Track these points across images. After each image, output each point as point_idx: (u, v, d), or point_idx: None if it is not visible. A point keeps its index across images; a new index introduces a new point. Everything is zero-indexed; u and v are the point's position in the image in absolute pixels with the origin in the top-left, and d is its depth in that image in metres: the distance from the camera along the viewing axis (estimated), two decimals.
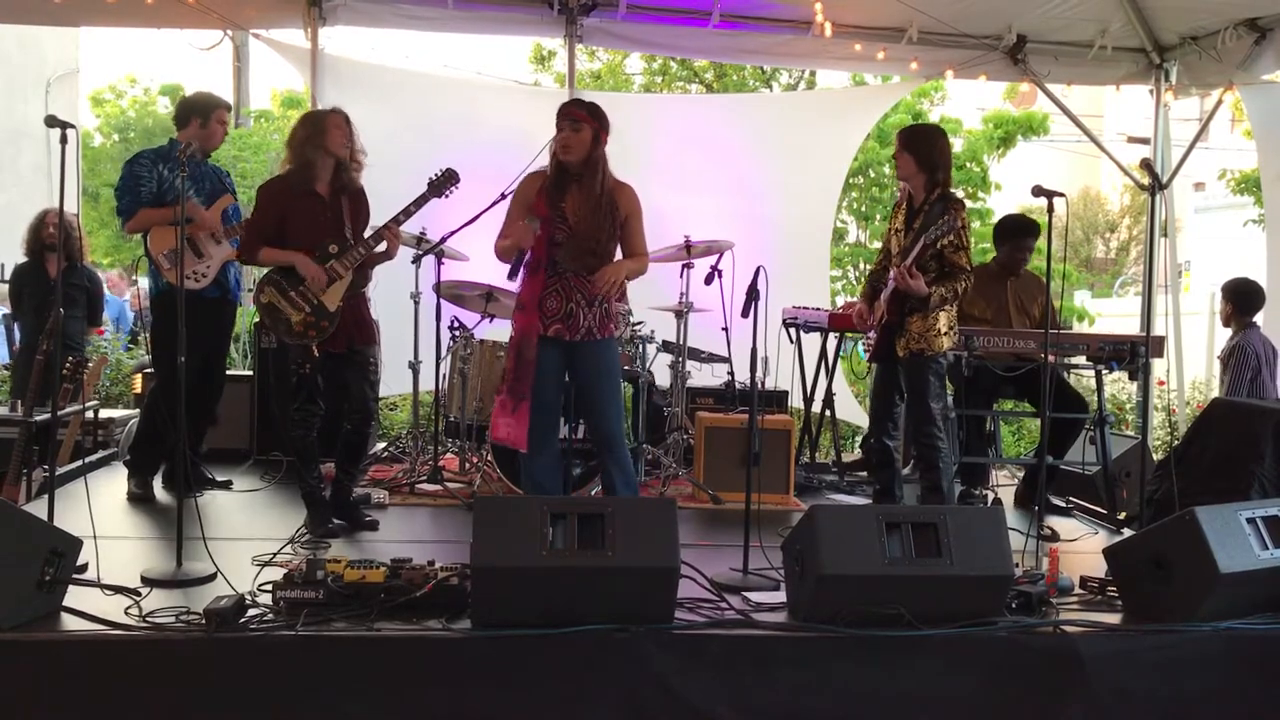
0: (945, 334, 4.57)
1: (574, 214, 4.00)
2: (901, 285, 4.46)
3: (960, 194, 4.90)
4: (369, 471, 5.65)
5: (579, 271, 4.03)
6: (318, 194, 4.35)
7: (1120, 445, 5.84)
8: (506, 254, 4.03)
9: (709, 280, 5.66)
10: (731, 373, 6.11)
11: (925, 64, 7.36)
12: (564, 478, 4.64)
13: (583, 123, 3.99)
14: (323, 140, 4.30)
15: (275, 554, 3.74)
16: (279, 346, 4.47)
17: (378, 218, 4.50)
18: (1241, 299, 6.09)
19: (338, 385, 4.45)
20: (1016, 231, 5.58)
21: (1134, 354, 5.15)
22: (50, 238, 6.37)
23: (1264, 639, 3.35)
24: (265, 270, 4.43)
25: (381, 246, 4.41)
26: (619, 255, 4.15)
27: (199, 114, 4.92)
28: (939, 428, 4.58)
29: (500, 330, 5.94)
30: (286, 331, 4.31)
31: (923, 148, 4.62)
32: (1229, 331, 6.19)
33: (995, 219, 6.42)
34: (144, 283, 5.07)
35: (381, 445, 6.50)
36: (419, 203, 4.46)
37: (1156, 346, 5.49)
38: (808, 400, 6.53)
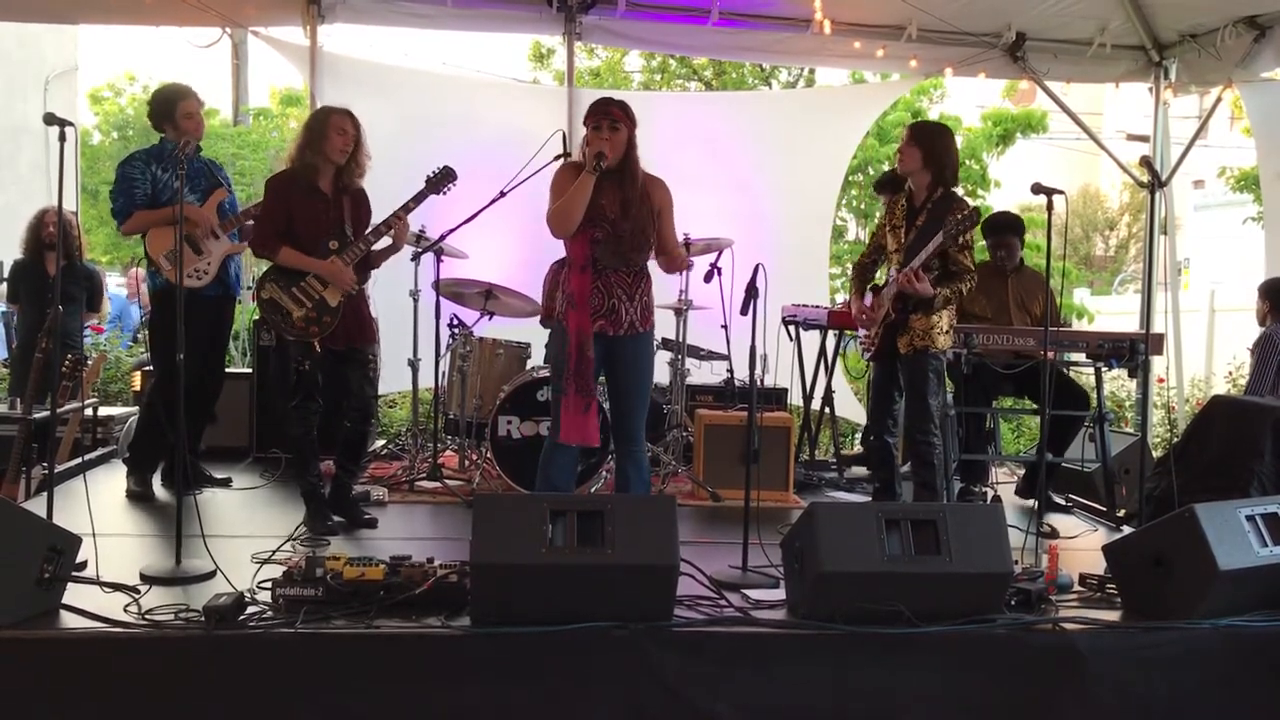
0: (946, 332, 4.61)
1: (612, 211, 4.01)
2: (908, 289, 4.46)
3: (961, 193, 4.90)
4: (368, 469, 5.64)
5: (619, 268, 4.04)
6: (321, 191, 4.36)
7: (1120, 442, 5.84)
8: (570, 211, 3.93)
9: (708, 278, 5.66)
10: (731, 370, 6.10)
11: (924, 61, 7.36)
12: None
13: (621, 123, 3.99)
14: (321, 146, 4.31)
15: (274, 551, 3.74)
16: (279, 343, 4.47)
17: (376, 215, 4.51)
18: (1278, 297, 6.11)
19: (337, 382, 4.45)
20: (995, 228, 5.60)
21: (1133, 351, 5.15)
22: (50, 236, 6.37)
23: (1263, 636, 3.35)
24: (266, 266, 4.43)
25: (385, 242, 4.42)
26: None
27: (165, 118, 4.86)
28: (935, 425, 4.62)
29: (499, 328, 5.95)
30: (289, 327, 4.31)
31: (932, 143, 4.59)
32: (1226, 330, 6.21)
33: None
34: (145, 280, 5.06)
35: (381, 443, 6.50)
36: (418, 199, 4.47)
37: (1156, 344, 5.49)
38: (807, 398, 6.53)
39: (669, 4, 6.97)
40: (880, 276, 4.93)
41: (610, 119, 3.98)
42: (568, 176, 4.02)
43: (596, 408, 4.05)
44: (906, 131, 4.68)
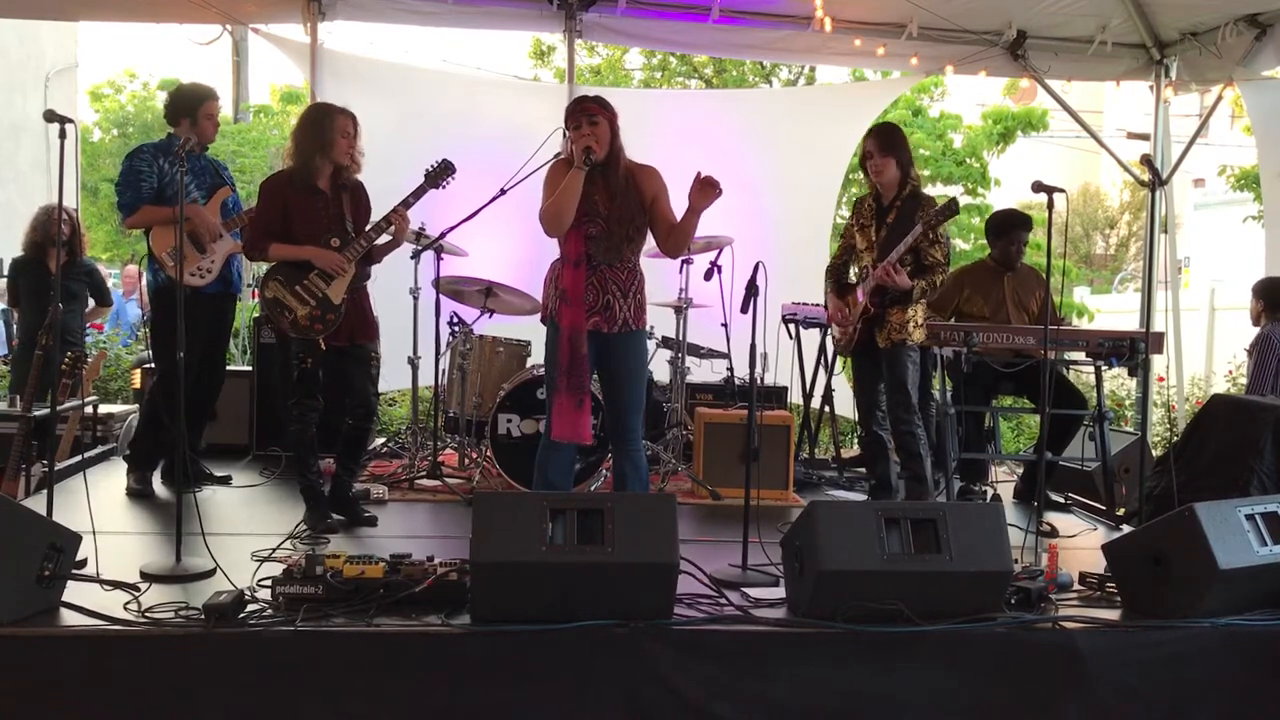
0: (920, 326, 4.77)
1: (604, 205, 4.00)
2: (887, 282, 4.58)
3: (925, 190, 5.02)
4: (368, 467, 5.64)
5: (612, 262, 4.03)
6: (319, 189, 4.36)
7: (1119, 441, 5.84)
8: (561, 210, 3.92)
9: (708, 276, 5.66)
10: (731, 368, 6.11)
11: (925, 59, 7.35)
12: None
13: (599, 115, 3.98)
14: (330, 151, 4.32)
15: (274, 549, 3.74)
16: (280, 340, 4.47)
17: (377, 213, 4.51)
18: (1272, 296, 6.14)
19: (339, 380, 4.45)
20: (1008, 226, 5.60)
21: (1133, 350, 5.15)
22: (62, 234, 6.35)
23: (1262, 635, 3.35)
24: (268, 265, 4.43)
25: (385, 238, 4.42)
26: (649, 238, 4.15)
27: (186, 113, 4.90)
28: (918, 416, 4.74)
29: (499, 325, 5.95)
30: (292, 325, 4.31)
31: (902, 150, 4.76)
32: (1226, 329, 6.23)
33: None
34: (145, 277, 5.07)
35: (381, 441, 6.50)
36: (418, 194, 4.49)
37: (1156, 342, 5.48)
38: (807, 396, 6.53)
39: (670, 1, 6.98)
40: (851, 275, 5.03)
41: (588, 115, 3.98)
42: (560, 174, 4.02)
43: (590, 405, 4.04)
44: (874, 143, 4.77)
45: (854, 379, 5.03)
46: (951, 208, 4.60)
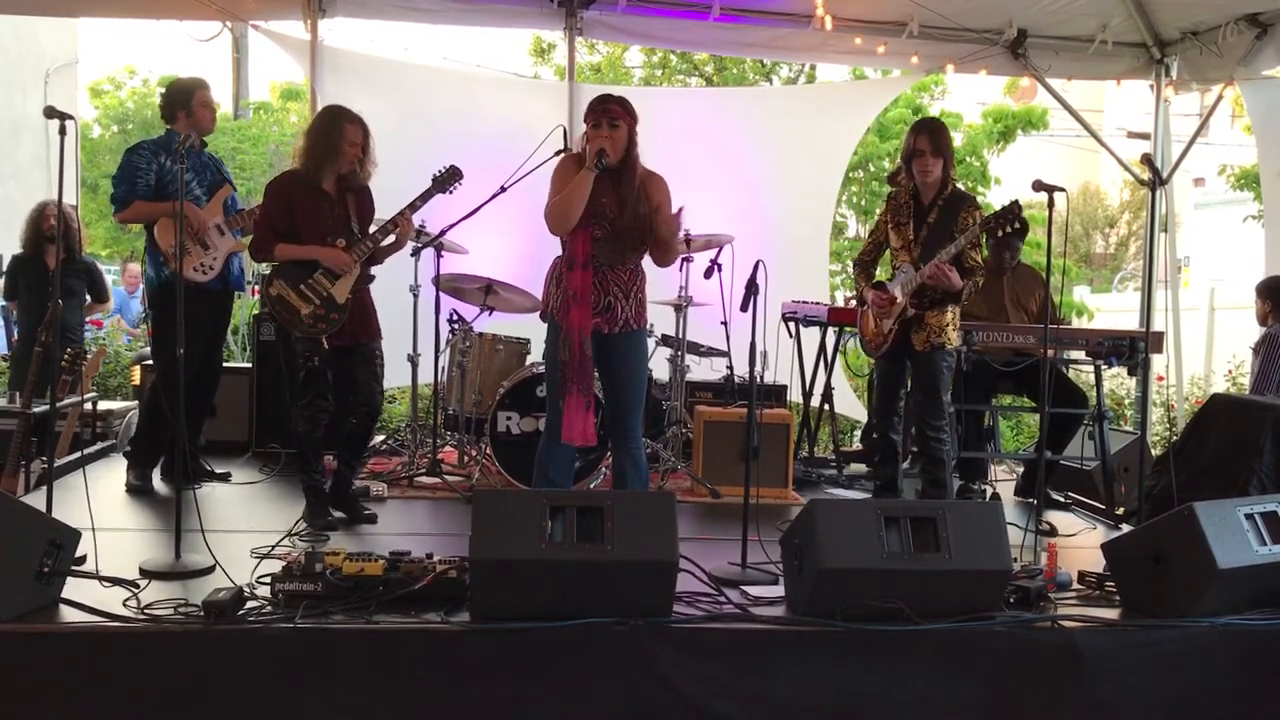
0: (956, 329, 4.66)
1: (612, 209, 3.99)
2: (939, 280, 4.44)
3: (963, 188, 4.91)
4: (368, 464, 5.64)
5: (615, 265, 4.03)
6: (324, 191, 4.36)
7: (1119, 440, 5.85)
8: (569, 209, 3.91)
9: (708, 274, 5.66)
10: (730, 367, 6.11)
11: (926, 58, 7.35)
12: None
13: (620, 120, 3.95)
14: (336, 159, 4.33)
15: (274, 546, 3.74)
16: (284, 339, 4.47)
17: (378, 210, 4.51)
18: (1278, 296, 6.13)
19: (344, 379, 4.45)
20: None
21: (1133, 349, 5.15)
22: (51, 229, 6.36)
23: (1261, 634, 3.35)
24: (272, 264, 4.43)
25: (390, 239, 4.42)
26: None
27: (180, 105, 4.90)
28: (947, 422, 4.63)
29: (499, 323, 5.94)
30: (296, 324, 4.31)
31: (950, 150, 4.61)
32: (1225, 328, 6.22)
33: None
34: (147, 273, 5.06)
35: (380, 438, 6.49)
36: (424, 197, 4.50)
37: (1156, 342, 5.49)
38: (806, 394, 6.53)
39: None
40: (881, 274, 4.94)
41: (610, 117, 3.95)
42: (569, 171, 4.00)
43: (595, 406, 4.05)
44: (927, 142, 4.53)
45: (878, 380, 4.93)
46: (1014, 211, 4.42)
